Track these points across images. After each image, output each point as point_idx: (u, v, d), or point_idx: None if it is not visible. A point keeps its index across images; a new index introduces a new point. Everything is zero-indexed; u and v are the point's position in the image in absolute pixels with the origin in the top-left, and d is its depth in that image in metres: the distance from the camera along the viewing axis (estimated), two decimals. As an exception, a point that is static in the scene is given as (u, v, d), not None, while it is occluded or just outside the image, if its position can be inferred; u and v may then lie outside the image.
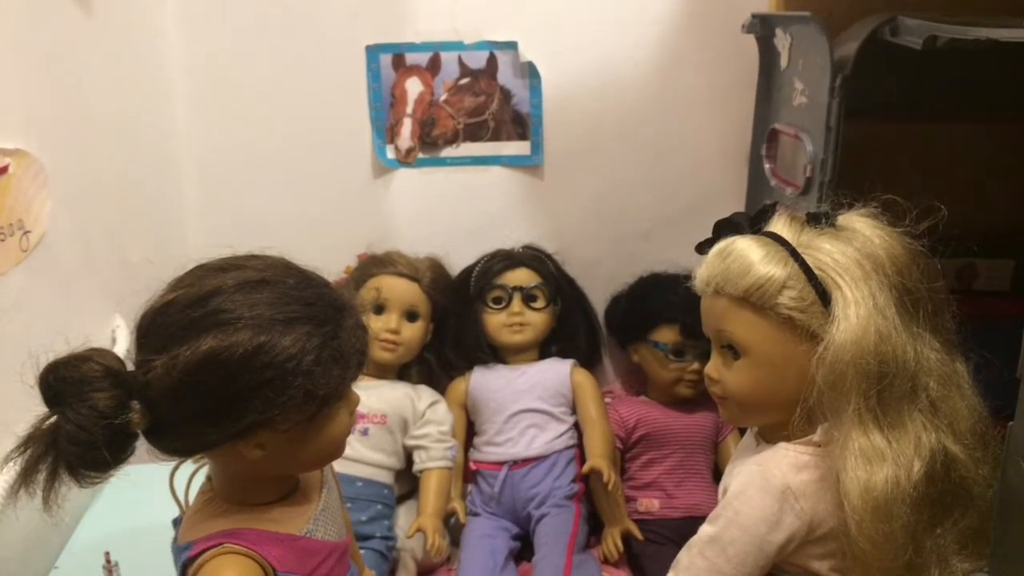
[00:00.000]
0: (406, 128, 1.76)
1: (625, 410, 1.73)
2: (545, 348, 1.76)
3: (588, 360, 1.79)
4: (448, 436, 1.64)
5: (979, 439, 0.94)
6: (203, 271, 0.83)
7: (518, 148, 1.79)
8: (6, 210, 1.10)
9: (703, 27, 1.70)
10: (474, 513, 1.64)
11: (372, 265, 1.71)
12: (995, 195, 1.60)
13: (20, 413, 0.76)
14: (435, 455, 1.61)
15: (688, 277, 1.01)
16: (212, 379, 0.76)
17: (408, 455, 1.65)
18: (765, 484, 0.93)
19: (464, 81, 1.75)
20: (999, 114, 1.53)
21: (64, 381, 0.75)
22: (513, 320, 1.70)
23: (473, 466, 1.69)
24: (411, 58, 1.73)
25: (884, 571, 0.90)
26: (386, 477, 1.61)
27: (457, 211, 1.81)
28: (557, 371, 1.72)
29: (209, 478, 0.90)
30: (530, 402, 1.68)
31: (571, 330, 1.78)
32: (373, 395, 1.60)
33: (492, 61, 1.74)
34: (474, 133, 1.78)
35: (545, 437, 1.66)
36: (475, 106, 1.76)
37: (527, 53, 1.72)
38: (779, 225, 0.95)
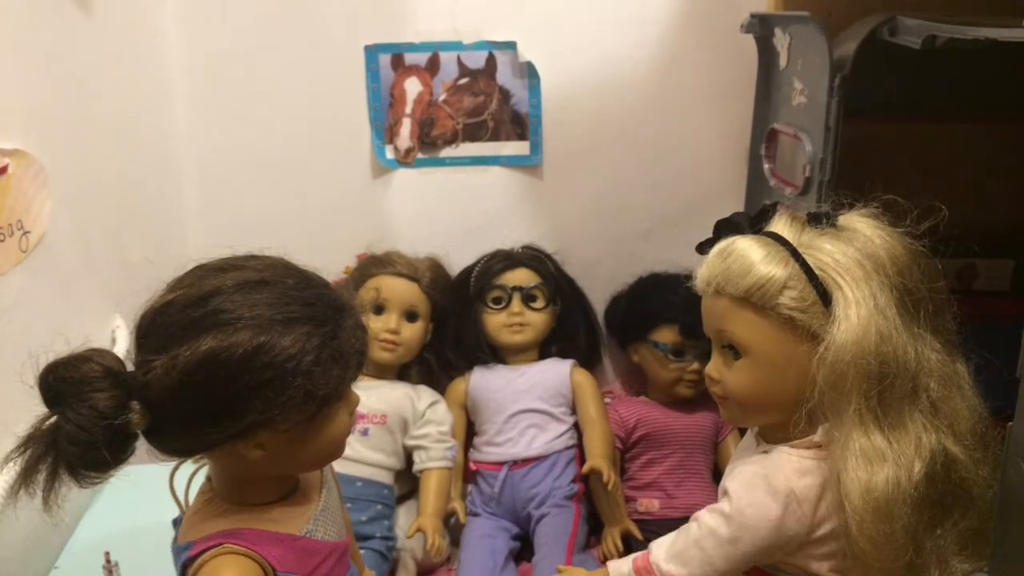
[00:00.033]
0: (405, 128, 1.76)
1: (625, 410, 1.73)
2: (545, 348, 1.76)
3: (588, 360, 1.79)
4: (448, 436, 1.64)
5: (979, 440, 0.94)
6: (203, 271, 0.83)
7: (517, 148, 1.79)
8: (6, 210, 1.10)
9: (702, 27, 1.70)
10: (474, 513, 1.64)
11: (372, 265, 1.71)
12: (995, 195, 1.60)
13: (20, 413, 0.76)
14: (435, 455, 1.61)
15: (688, 277, 1.01)
16: (212, 379, 0.76)
17: (408, 455, 1.65)
18: (769, 488, 0.93)
19: (463, 81, 1.75)
20: (999, 114, 1.53)
21: (64, 381, 0.75)
22: (513, 320, 1.70)
23: (473, 466, 1.69)
24: (410, 58, 1.73)
25: (884, 571, 0.90)
26: (386, 477, 1.61)
27: (456, 211, 1.81)
28: (557, 371, 1.72)
29: (209, 478, 0.90)
30: (530, 402, 1.68)
31: (571, 330, 1.78)
32: (373, 395, 1.60)
33: (491, 61, 1.74)
34: (473, 133, 1.78)
35: (545, 437, 1.66)
36: (474, 106, 1.76)
37: (526, 53, 1.72)
38: (780, 225, 0.95)
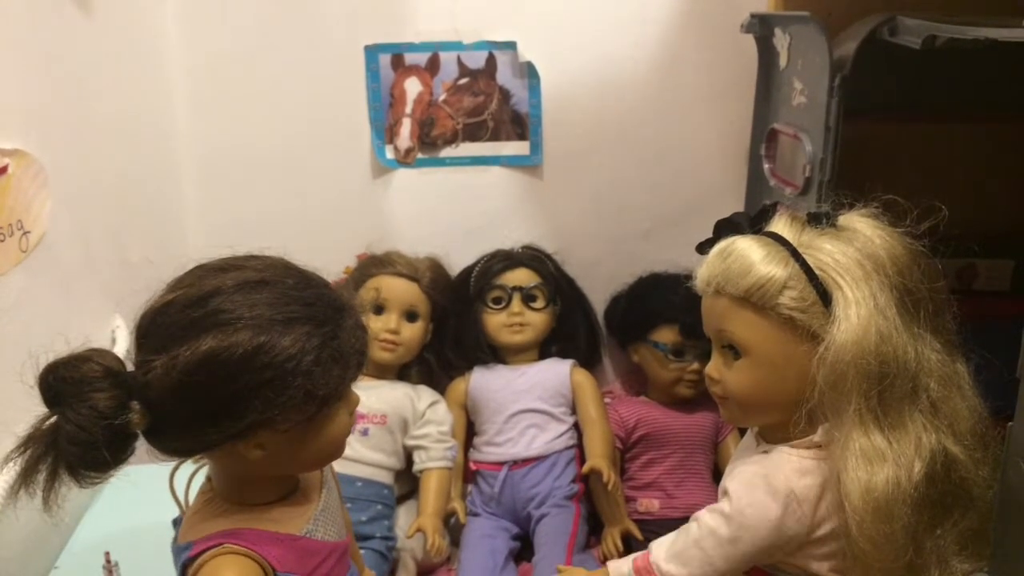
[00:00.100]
0: (405, 128, 1.76)
1: (625, 410, 1.73)
2: (545, 348, 1.76)
3: (588, 360, 1.79)
4: (448, 436, 1.64)
5: (979, 440, 0.94)
6: (203, 271, 0.83)
7: (517, 148, 1.79)
8: (6, 210, 1.10)
9: (702, 27, 1.70)
10: (474, 513, 1.64)
11: (371, 265, 1.71)
12: (995, 195, 1.60)
13: (20, 413, 0.76)
14: (435, 455, 1.61)
15: (688, 277, 1.01)
16: (212, 379, 0.76)
17: (408, 455, 1.65)
18: (769, 488, 0.93)
19: (463, 81, 1.75)
20: (999, 114, 1.53)
21: (64, 381, 0.75)
22: (513, 320, 1.70)
23: (473, 466, 1.69)
24: (410, 58, 1.73)
25: (884, 572, 0.90)
26: (386, 477, 1.61)
27: (456, 211, 1.81)
28: (557, 371, 1.72)
29: (209, 478, 0.90)
30: (530, 402, 1.68)
31: (571, 330, 1.78)
32: (373, 395, 1.60)
33: (491, 61, 1.74)
34: (473, 133, 1.78)
35: (545, 437, 1.66)
36: (474, 106, 1.76)
37: (526, 53, 1.72)
38: (780, 225, 0.95)
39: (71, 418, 0.74)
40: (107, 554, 1.15)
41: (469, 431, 1.74)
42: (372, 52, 1.72)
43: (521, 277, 1.72)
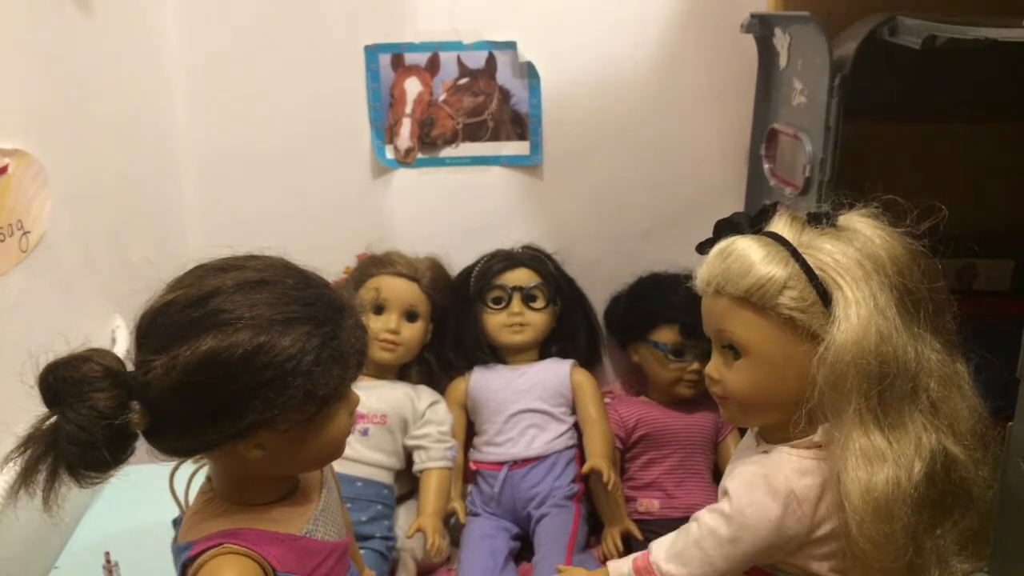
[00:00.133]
0: (405, 128, 1.76)
1: (625, 410, 1.73)
2: (545, 348, 1.76)
3: (588, 360, 1.79)
4: (448, 436, 1.64)
5: (979, 440, 0.94)
6: (203, 271, 0.83)
7: (517, 148, 1.79)
8: (6, 210, 1.10)
9: (702, 27, 1.70)
10: (474, 513, 1.64)
11: (371, 265, 1.71)
12: (995, 195, 1.60)
13: (20, 413, 0.76)
14: (435, 455, 1.61)
15: (688, 277, 1.01)
16: (212, 379, 0.76)
17: (408, 455, 1.65)
18: (769, 488, 0.93)
19: (463, 81, 1.75)
20: (999, 114, 1.53)
21: (64, 381, 0.75)
22: (513, 320, 1.70)
23: (473, 466, 1.69)
24: (410, 58, 1.73)
25: (884, 572, 0.90)
26: (386, 477, 1.61)
27: (457, 211, 1.81)
28: (557, 371, 1.72)
29: (209, 478, 0.90)
30: (530, 402, 1.68)
31: (571, 330, 1.78)
32: (373, 395, 1.60)
33: (491, 61, 1.74)
34: (473, 133, 1.78)
35: (545, 437, 1.66)
36: (474, 106, 1.76)
37: (526, 53, 1.72)
38: (780, 225, 0.95)
39: (71, 418, 0.74)
40: (107, 554, 1.15)
41: (469, 431, 1.74)
42: (372, 52, 1.72)
43: (521, 277, 1.72)
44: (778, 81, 1.49)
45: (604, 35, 1.71)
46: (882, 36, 1.20)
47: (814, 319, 0.90)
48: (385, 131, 1.77)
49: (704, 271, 0.97)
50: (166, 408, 0.77)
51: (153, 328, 0.79)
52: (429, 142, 1.78)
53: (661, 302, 1.68)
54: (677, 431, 1.70)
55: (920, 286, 0.93)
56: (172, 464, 0.89)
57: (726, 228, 0.98)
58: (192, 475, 0.92)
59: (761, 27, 1.50)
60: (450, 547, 1.58)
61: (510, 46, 1.72)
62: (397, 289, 1.67)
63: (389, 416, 1.62)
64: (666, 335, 1.68)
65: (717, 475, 1.69)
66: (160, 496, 0.92)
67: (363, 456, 1.58)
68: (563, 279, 1.78)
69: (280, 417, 0.79)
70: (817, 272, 0.91)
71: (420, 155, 1.79)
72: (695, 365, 1.66)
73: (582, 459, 1.64)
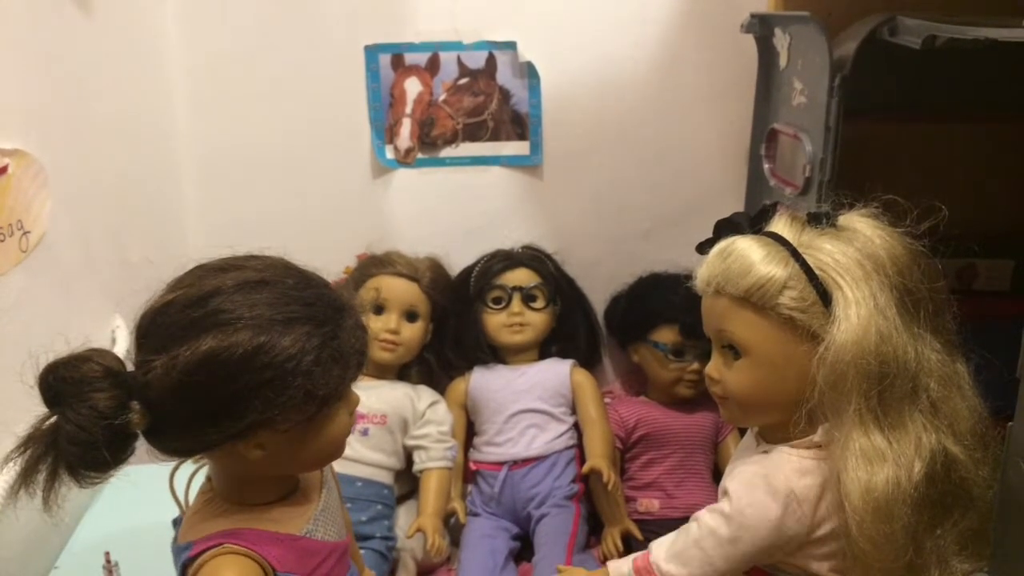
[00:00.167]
0: (405, 128, 1.76)
1: (625, 410, 1.73)
2: (545, 348, 1.76)
3: (588, 360, 1.79)
4: (448, 436, 1.64)
5: (979, 440, 0.94)
6: (203, 271, 0.83)
7: (517, 148, 1.79)
8: (6, 210, 1.10)
9: (702, 27, 1.70)
10: (474, 513, 1.64)
11: (371, 265, 1.71)
12: (995, 195, 1.60)
13: (20, 413, 0.76)
14: (435, 455, 1.61)
15: (688, 277, 1.01)
16: (212, 379, 0.76)
17: (408, 455, 1.65)
18: (769, 488, 0.93)
19: (463, 81, 1.75)
20: (999, 114, 1.53)
21: (64, 381, 0.75)
22: (513, 320, 1.70)
23: (473, 466, 1.69)
24: (410, 58, 1.73)
25: (884, 572, 0.90)
26: (386, 477, 1.61)
27: (457, 211, 1.81)
28: (557, 371, 1.72)
29: (209, 478, 0.90)
30: (530, 402, 1.68)
31: (571, 330, 1.78)
32: (373, 395, 1.60)
33: (491, 61, 1.74)
34: (473, 133, 1.78)
35: (545, 437, 1.66)
36: (474, 106, 1.76)
37: (526, 53, 1.72)
38: (780, 225, 0.95)
39: (71, 418, 0.74)
40: (107, 554, 1.15)
41: (469, 431, 1.74)
42: (372, 52, 1.72)
43: (521, 277, 1.72)
44: (778, 81, 1.49)
45: (604, 35, 1.71)
46: (882, 36, 1.20)
47: (814, 319, 0.90)
48: (385, 131, 1.77)
49: (704, 271, 0.97)
50: (166, 408, 0.77)
51: (153, 328, 0.79)
52: (429, 142, 1.78)
53: (661, 302, 1.68)
54: (677, 431, 1.70)
55: (920, 286, 0.93)
56: (172, 464, 0.89)
57: (726, 228, 0.98)
58: (192, 475, 0.92)
59: (761, 27, 1.50)
60: (450, 547, 1.58)
61: (510, 46, 1.72)
62: (397, 289, 1.67)
63: (389, 416, 1.62)
64: (666, 335, 1.68)
65: (717, 475, 1.69)
66: (160, 496, 0.92)
67: (363, 456, 1.58)
68: (563, 279, 1.78)
69: (280, 417, 0.79)
70: (817, 272, 0.91)
71: (420, 155, 1.79)
72: (695, 365, 1.66)
73: (582, 459, 1.64)
